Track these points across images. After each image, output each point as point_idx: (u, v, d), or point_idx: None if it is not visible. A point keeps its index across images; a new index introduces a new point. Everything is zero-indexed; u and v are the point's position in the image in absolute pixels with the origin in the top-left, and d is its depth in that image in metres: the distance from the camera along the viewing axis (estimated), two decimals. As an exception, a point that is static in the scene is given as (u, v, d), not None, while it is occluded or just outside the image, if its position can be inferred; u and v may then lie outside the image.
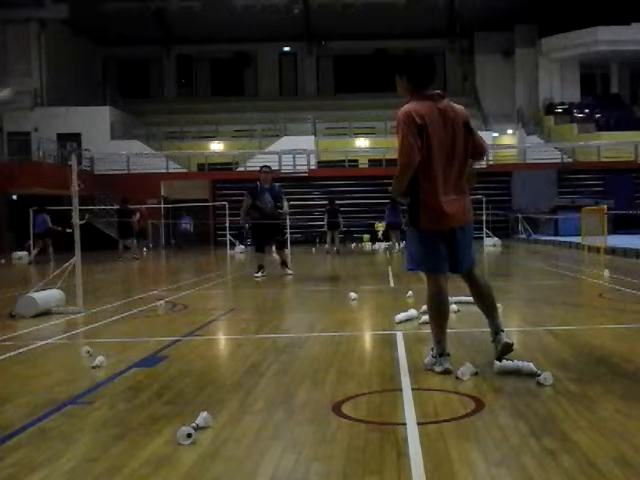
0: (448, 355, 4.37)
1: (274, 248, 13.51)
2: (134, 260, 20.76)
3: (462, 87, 40.87)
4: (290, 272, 12.62)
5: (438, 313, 4.43)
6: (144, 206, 26.02)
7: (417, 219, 4.35)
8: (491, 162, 30.37)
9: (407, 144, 4.17)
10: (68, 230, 20.03)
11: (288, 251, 13.04)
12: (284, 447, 3.03)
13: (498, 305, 4.67)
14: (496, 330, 4.51)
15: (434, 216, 4.30)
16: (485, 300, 4.57)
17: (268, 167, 13.02)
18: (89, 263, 16.71)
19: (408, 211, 4.43)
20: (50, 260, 19.59)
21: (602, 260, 15.07)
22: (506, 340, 4.45)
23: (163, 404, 3.81)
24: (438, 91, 4.39)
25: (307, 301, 9.37)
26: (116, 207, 23.79)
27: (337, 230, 22.06)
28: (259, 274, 12.21)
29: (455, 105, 4.43)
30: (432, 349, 4.47)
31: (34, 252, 20.14)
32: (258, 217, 12.38)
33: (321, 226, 23.94)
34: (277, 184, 13.13)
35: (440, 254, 4.39)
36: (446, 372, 4.26)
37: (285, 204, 12.81)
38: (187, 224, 29.58)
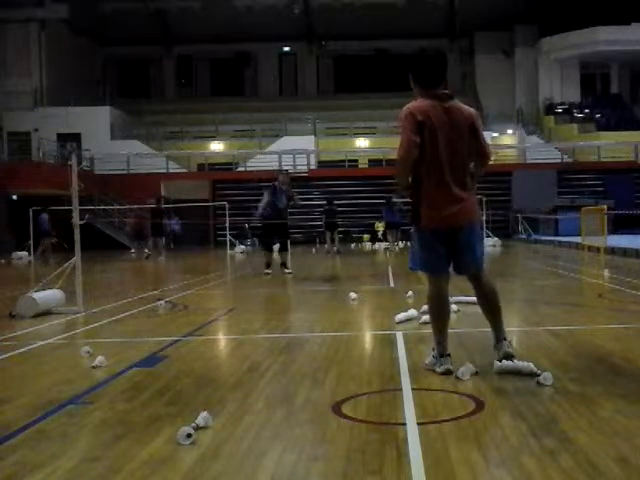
0: (449, 355, 4.36)
1: (277, 249, 14.26)
2: (150, 257, 20.72)
3: (462, 87, 40.86)
4: (289, 272, 12.93)
5: (438, 314, 4.43)
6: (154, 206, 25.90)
7: (418, 217, 4.34)
8: (491, 162, 30.32)
9: (405, 139, 4.19)
10: (55, 240, 20.24)
11: (288, 252, 13.52)
12: (284, 447, 3.03)
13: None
14: (498, 337, 4.45)
15: (434, 214, 4.27)
16: (489, 306, 4.49)
17: (286, 170, 14.61)
18: (110, 261, 16.77)
19: (411, 209, 4.40)
20: (48, 259, 19.63)
21: (602, 260, 15.07)
22: (506, 350, 4.34)
23: (163, 404, 3.81)
24: (446, 91, 4.34)
25: (307, 301, 9.37)
26: (147, 206, 23.64)
27: (335, 230, 22.11)
28: (269, 270, 12.77)
29: (464, 107, 4.38)
30: (433, 349, 4.47)
31: (47, 250, 20.38)
32: (272, 215, 13.00)
33: (321, 226, 23.95)
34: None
35: (439, 254, 4.35)
36: (447, 372, 4.24)
37: (296, 197, 13.79)
38: (175, 225, 28.80)
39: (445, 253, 4.36)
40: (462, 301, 7.16)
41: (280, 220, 13.05)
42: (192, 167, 34.97)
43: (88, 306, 8.10)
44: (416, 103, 4.29)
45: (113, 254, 24.22)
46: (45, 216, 21.08)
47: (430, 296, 4.46)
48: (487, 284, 4.50)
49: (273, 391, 4.06)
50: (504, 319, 4.54)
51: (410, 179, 4.32)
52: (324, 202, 23.88)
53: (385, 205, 21.91)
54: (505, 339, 4.44)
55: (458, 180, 4.28)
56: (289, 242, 14.01)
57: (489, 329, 4.56)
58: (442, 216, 4.26)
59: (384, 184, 30.09)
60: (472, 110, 4.43)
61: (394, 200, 21.96)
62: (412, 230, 4.53)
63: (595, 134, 35.43)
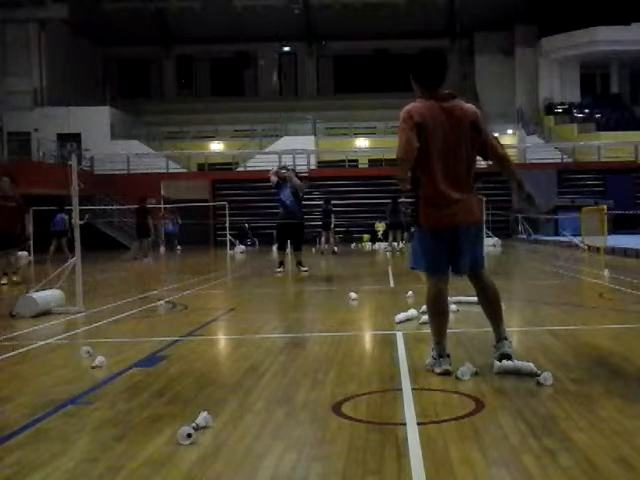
0: (448, 356, 4.36)
1: (291, 249, 14.79)
2: (140, 259, 20.65)
3: (462, 87, 40.85)
4: (305, 269, 13.41)
5: (437, 314, 4.42)
6: (159, 206, 25.85)
7: (418, 216, 4.37)
8: (491, 162, 30.38)
9: (404, 139, 4.18)
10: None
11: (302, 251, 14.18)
12: (284, 447, 3.03)
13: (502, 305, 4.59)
14: (498, 336, 4.46)
15: (433, 214, 4.30)
16: (490, 305, 4.50)
17: (285, 167, 14.67)
18: (110, 261, 16.77)
19: (413, 209, 4.44)
20: (67, 259, 19.58)
21: (602, 260, 15.07)
22: (505, 350, 4.34)
23: (163, 404, 3.81)
24: (448, 91, 4.36)
25: (307, 301, 9.38)
26: (134, 207, 23.53)
27: (329, 230, 22.03)
28: (280, 269, 13.20)
29: (465, 105, 4.39)
30: (433, 349, 4.46)
31: (51, 250, 20.28)
32: (283, 215, 13.44)
33: (320, 226, 23.95)
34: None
35: (439, 254, 4.35)
36: (445, 373, 4.24)
37: (298, 182, 13.63)
38: (170, 225, 28.20)
39: (446, 253, 4.36)
40: (462, 301, 7.16)
41: (293, 220, 13.35)
42: (192, 167, 34.99)
43: (88, 306, 8.10)
44: (415, 104, 4.29)
45: (113, 254, 24.20)
46: (61, 216, 21.13)
47: (429, 296, 4.44)
48: (488, 283, 4.51)
49: (273, 391, 4.05)
50: (504, 319, 4.54)
51: (410, 178, 4.32)
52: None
53: (391, 204, 21.76)
54: (506, 339, 4.44)
55: (456, 181, 4.29)
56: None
57: (489, 329, 4.56)
58: (440, 216, 4.28)
59: (384, 184, 30.08)
60: (474, 108, 4.43)
61: (401, 200, 21.91)
62: (414, 229, 4.54)
63: (595, 134, 35.43)
